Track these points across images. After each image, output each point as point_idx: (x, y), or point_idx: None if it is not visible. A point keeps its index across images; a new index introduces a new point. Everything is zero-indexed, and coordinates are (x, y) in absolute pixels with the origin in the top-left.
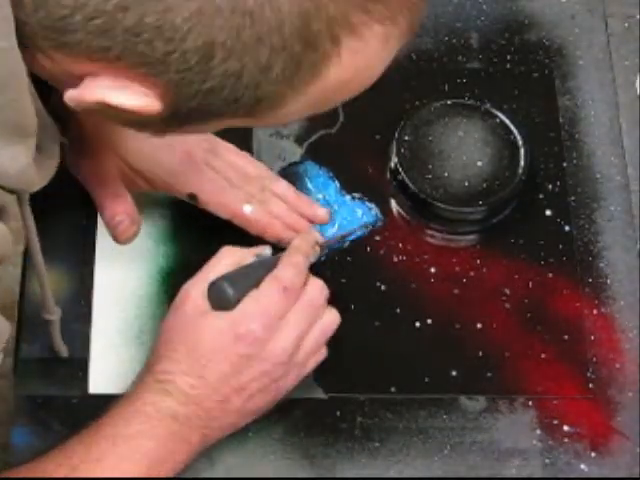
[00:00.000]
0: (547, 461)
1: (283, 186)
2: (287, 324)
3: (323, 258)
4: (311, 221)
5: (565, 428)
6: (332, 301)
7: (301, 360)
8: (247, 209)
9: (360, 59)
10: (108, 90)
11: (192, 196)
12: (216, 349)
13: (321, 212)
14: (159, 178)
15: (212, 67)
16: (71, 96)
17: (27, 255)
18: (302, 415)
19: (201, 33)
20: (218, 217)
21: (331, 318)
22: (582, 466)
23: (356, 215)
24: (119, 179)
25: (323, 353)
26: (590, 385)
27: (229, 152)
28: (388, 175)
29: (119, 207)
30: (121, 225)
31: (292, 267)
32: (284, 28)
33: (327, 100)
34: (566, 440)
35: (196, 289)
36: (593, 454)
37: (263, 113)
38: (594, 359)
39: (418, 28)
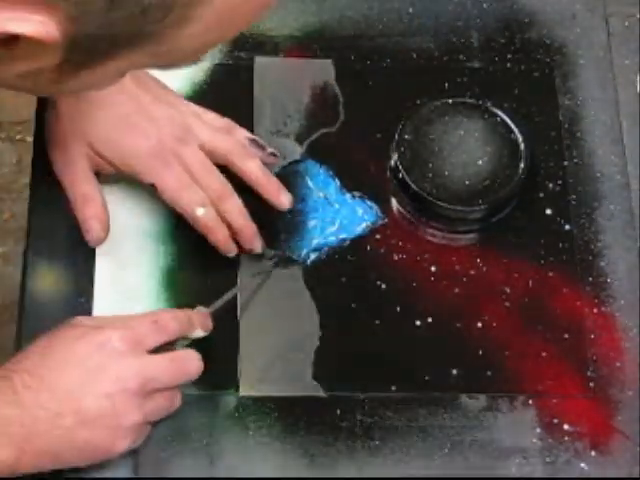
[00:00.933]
0: (547, 460)
1: (253, 165)
2: (148, 359)
3: (323, 257)
4: (272, 204)
5: (565, 427)
6: (332, 300)
7: (148, 404)
8: (199, 211)
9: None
10: (8, 21)
11: (152, 186)
12: (70, 352)
13: (284, 199)
14: (124, 165)
15: None
16: None
17: (27, 255)
18: (302, 414)
19: None
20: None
21: (171, 403)
22: (582, 465)
23: (356, 214)
24: (90, 172)
25: (147, 429)
26: (590, 384)
27: (202, 132)
28: (388, 174)
29: (89, 210)
30: (91, 232)
31: (173, 314)
32: None
33: (231, 21)
34: (566, 439)
35: (82, 318)
36: (593, 453)
37: (171, 34)
38: (594, 358)
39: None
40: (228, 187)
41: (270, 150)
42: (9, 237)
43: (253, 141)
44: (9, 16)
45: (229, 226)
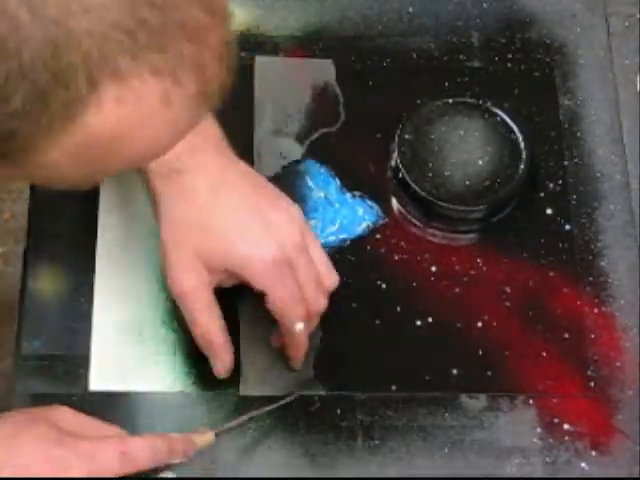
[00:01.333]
0: (547, 459)
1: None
2: None
3: None
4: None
5: (565, 426)
6: (332, 300)
7: None
8: (298, 327)
9: (131, 113)
10: None
11: (261, 294)
12: (24, 454)
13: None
14: (235, 273)
15: None
16: None
17: (27, 255)
18: (302, 413)
19: None
20: None
21: None
22: (582, 464)
23: (357, 213)
24: (208, 299)
25: None
26: (590, 383)
27: (315, 246)
28: (389, 173)
29: (219, 357)
30: (216, 367)
31: (146, 443)
32: (24, 53)
33: (97, 157)
34: (566, 438)
35: (72, 414)
36: (593, 452)
37: (19, 158)
38: (594, 357)
39: (222, 98)
40: (323, 307)
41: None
42: (9, 237)
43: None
44: None
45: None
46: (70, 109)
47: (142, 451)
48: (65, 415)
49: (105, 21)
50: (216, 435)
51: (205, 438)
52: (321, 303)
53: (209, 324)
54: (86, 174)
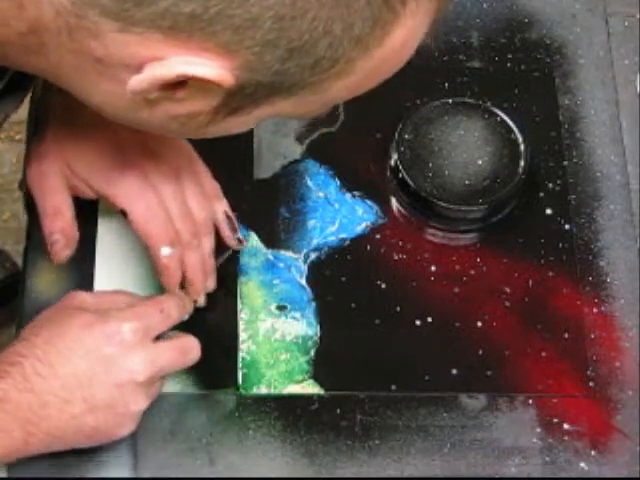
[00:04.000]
0: (547, 459)
1: (208, 241)
2: (156, 350)
3: (323, 257)
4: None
5: (565, 426)
6: (332, 300)
7: (152, 389)
8: (165, 251)
9: (415, 24)
10: (183, 64)
11: (123, 212)
12: (78, 341)
13: (210, 284)
14: (97, 186)
15: (303, 23)
16: (141, 79)
17: (27, 254)
18: (302, 413)
19: None
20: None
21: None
22: (582, 464)
23: (356, 213)
24: (63, 186)
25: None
26: (590, 383)
27: (190, 182)
28: (389, 173)
29: (56, 224)
30: (55, 245)
31: (176, 300)
32: None
33: (376, 74)
34: (566, 438)
35: (86, 296)
36: (593, 452)
37: (328, 85)
38: (594, 357)
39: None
40: (204, 227)
41: (238, 235)
42: (9, 237)
43: (228, 218)
44: (188, 60)
45: (183, 273)
46: (388, 27)
47: (174, 308)
48: (82, 297)
49: None
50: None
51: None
52: (188, 230)
53: (61, 204)
54: (360, 92)
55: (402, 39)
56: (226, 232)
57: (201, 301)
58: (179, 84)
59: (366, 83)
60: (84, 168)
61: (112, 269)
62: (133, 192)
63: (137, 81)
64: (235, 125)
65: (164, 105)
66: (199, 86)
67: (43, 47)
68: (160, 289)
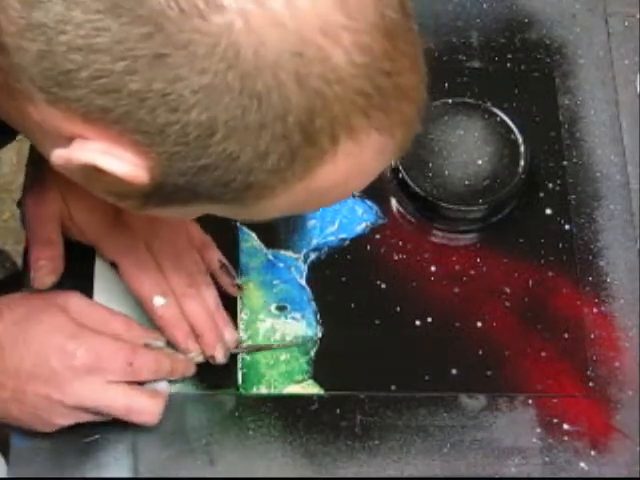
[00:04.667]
0: (547, 459)
1: (211, 293)
2: (103, 392)
3: (323, 257)
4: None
5: (565, 426)
6: (332, 300)
7: (85, 417)
8: (157, 301)
9: (353, 164)
10: (98, 154)
11: (113, 264)
12: (38, 339)
13: (229, 337)
14: (90, 234)
15: (210, 144)
16: (60, 155)
17: (27, 255)
18: (302, 413)
19: (207, 108)
20: (217, 217)
21: None
22: (582, 464)
23: (356, 213)
24: (58, 219)
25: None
26: (590, 383)
27: (180, 236)
28: (388, 173)
29: (46, 252)
30: (40, 270)
31: (154, 361)
32: (288, 118)
33: (311, 201)
34: (566, 438)
35: (79, 301)
36: (593, 452)
37: (248, 202)
38: (594, 357)
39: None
40: (201, 279)
41: (237, 282)
42: (9, 237)
43: (224, 266)
44: (106, 149)
45: (192, 326)
46: (311, 164)
47: (148, 366)
48: (74, 301)
49: (351, 88)
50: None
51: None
52: (183, 275)
53: (54, 234)
54: (291, 212)
55: (333, 177)
56: (224, 280)
57: (220, 357)
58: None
59: (296, 209)
60: (80, 215)
61: (112, 270)
62: (123, 246)
63: (58, 155)
64: (174, 213)
65: (94, 181)
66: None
67: None
68: None
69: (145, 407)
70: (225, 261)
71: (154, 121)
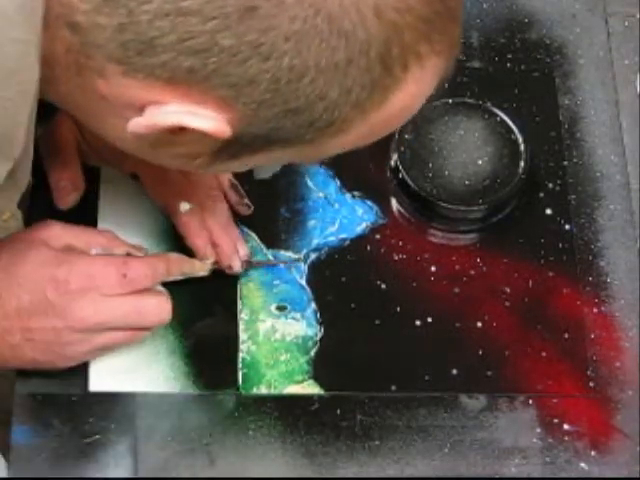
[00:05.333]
0: (547, 459)
1: (224, 207)
2: (105, 304)
3: (323, 257)
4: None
5: (565, 426)
6: (332, 300)
7: (99, 338)
8: (183, 207)
9: (419, 88)
10: (182, 115)
11: (135, 176)
12: (29, 277)
13: (241, 251)
14: (107, 154)
15: (299, 87)
16: (139, 122)
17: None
18: (302, 413)
19: (299, 53)
20: None
21: (128, 338)
22: (582, 464)
23: (356, 213)
24: (74, 148)
25: (125, 337)
26: (590, 383)
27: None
28: (389, 174)
29: (65, 173)
30: (63, 190)
31: (147, 266)
32: (371, 51)
33: (379, 131)
34: (566, 438)
35: (61, 228)
36: (593, 452)
37: (324, 140)
38: (594, 357)
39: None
40: (215, 193)
41: (246, 201)
42: None
43: (234, 186)
44: (187, 109)
45: (210, 235)
46: (387, 93)
47: (143, 273)
48: (54, 230)
49: (418, 15)
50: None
51: (204, 266)
52: (204, 188)
53: (71, 158)
54: (359, 144)
55: (402, 103)
56: (234, 199)
57: (237, 267)
58: (178, 129)
59: (361, 141)
60: (96, 138)
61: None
62: (142, 160)
63: (136, 124)
64: (235, 166)
65: (165, 146)
66: (197, 133)
67: (55, 79)
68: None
69: (154, 305)
70: (235, 181)
71: (245, 73)
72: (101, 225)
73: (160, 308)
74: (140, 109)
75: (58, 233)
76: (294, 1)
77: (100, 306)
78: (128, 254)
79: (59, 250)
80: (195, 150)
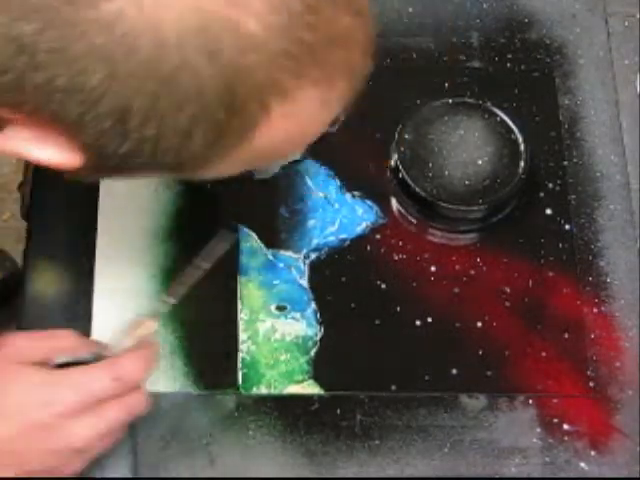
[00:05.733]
0: (547, 459)
1: None
2: (100, 414)
3: (323, 257)
4: None
5: (565, 426)
6: (332, 300)
7: (98, 448)
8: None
9: (293, 122)
10: (26, 143)
11: None
12: (16, 405)
13: None
14: None
15: (128, 131)
16: None
17: (27, 255)
18: (302, 413)
19: (116, 96)
20: (216, 218)
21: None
22: (582, 464)
23: (356, 213)
24: None
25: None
26: (590, 383)
27: None
28: (389, 173)
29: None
30: None
31: (135, 362)
32: (204, 95)
33: (260, 159)
34: (566, 438)
35: (24, 340)
36: (593, 452)
37: (188, 172)
38: (594, 357)
39: (360, 85)
40: None
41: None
42: (9, 237)
43: None
44: (30, 137)
45: None
46: (243, 133)
47: (136, 368)
48: (18, 343)
49: (271, 52)
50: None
51: (148, 328)
52: None
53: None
54: (241, 169)
55: (277, 137)
56: None
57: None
58: None
59: (251, 165)
60: None
61: (112, 269)
62: None
63: None
64: (129, 177)
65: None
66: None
67: None
68: (161, 289)
69: (141, 401)
70: None
71: (66, 113)
72: (101, 222)
73: (141, 400)
74: (3, 122)
75: (24, 348)
76: (103, 43)
77: (99, 421)
78: (95, 355)
79: (37, 368)
80: (64, 167)
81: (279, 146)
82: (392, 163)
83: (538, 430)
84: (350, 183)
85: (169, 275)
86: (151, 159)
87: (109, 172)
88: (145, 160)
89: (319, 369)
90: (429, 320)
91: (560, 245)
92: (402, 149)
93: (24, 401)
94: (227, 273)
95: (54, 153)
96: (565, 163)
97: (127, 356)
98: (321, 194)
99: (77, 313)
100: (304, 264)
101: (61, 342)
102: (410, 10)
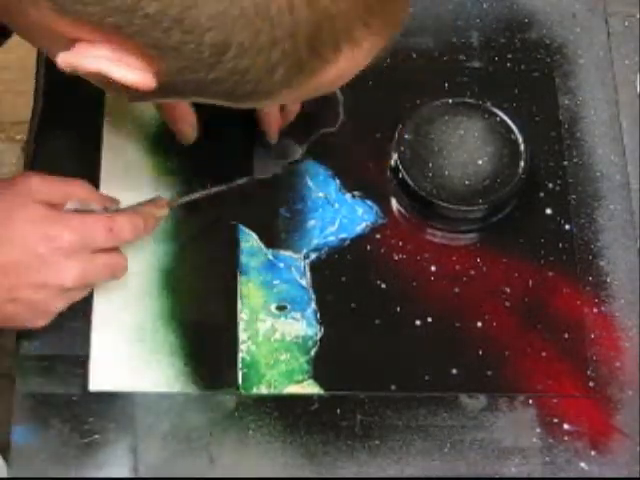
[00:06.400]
0: (547, 459)
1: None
2: (92, 260)
3: (323, 257)
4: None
5: (565, 426)
6: (332, 300)
7: (77, 295)
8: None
9: (352, 64)
10: (108, 62)
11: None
12: (19, 234)
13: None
14: None
15: (222, 61)
16: (65, 60)
17: None
18: (302, 413)
19: (221, 31)
20: (215, 218)
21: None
22: (582, 464)
23: (356, 213)
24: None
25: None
26: (590, 383)
27: None
28: (389, 173)
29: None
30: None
31: (128, 222)
32: (297, 36)
33: (311, 94)
34: (566, 438)
35: (38, 181)
36: (593, 452)
37: (251, 101)
38: (594, 357)
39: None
40: None
41: None
42: None
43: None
44: (113, 55)
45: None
46: (316, 71)
47: (125, 227)
48: (34, 184)
49: (351, 1)
50: (170, 208)
51: (162, 211)
52: None
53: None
54: (294, 102)
55: (333, 77)
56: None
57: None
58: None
59: (289, 102)
60: None
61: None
62: None
63: (63, 59)
64: (176, 100)
65: (98, 77)
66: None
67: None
68: (161, 288)
69: (121, 261)
70: None
71: (168, 40)
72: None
73: (123, 265)
74: (71, 42)
75: (37, 188)
76: None
77: (87, 265)
78: (105, 208)
79: (45, 205)
80: (129, 85)
81: (329, 85)
82: (392, 163)
83: (538, 430)
84: (350, 183)
85: (169, 274)
86: (230, 89)
87: (177, 95)
88: (223, 88)
89: (319, 369)
90: (429, 320)
91: (560, 245)
92: (402, 149)
93: (26, 232)
94: (227, 273)
95: (134, 73)
96: (565, 163)
97: (124, 214)
98: (321, 194)
99: (77, 313)
100: (304, 264)
101: (74, 189)
102: (410, 10)
